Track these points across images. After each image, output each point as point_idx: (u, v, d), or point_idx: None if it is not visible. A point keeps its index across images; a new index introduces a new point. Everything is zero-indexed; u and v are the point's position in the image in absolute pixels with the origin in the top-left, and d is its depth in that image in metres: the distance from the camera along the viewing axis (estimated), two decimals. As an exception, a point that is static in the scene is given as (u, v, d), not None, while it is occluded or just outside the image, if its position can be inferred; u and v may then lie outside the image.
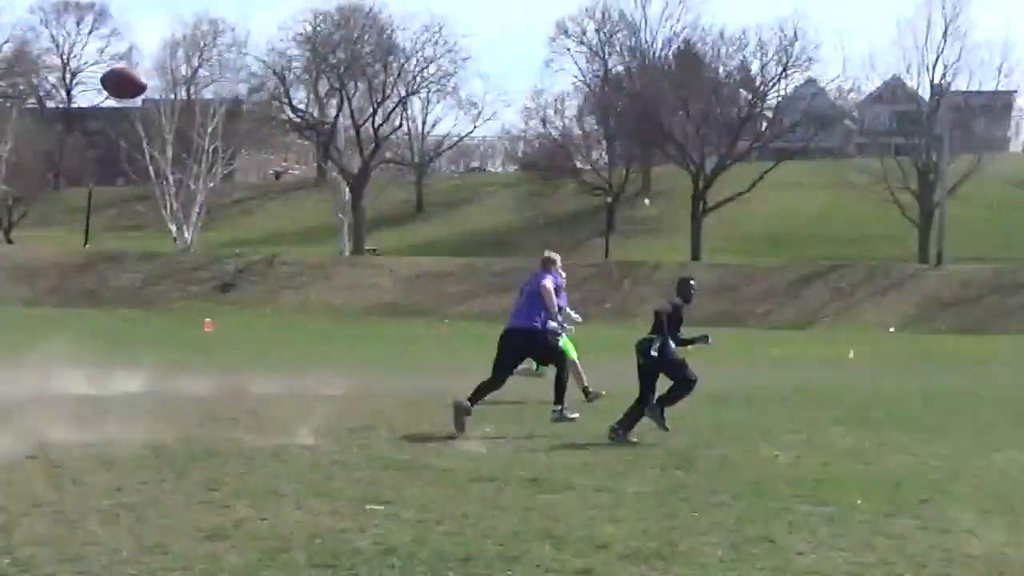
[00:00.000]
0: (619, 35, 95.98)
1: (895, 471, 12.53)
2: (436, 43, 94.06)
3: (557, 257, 15.82)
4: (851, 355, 34.70)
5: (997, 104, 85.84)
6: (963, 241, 70.01)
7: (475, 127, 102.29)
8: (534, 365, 16.99)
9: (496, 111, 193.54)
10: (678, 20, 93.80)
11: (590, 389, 19.05)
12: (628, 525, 9.40)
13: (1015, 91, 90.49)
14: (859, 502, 10.54)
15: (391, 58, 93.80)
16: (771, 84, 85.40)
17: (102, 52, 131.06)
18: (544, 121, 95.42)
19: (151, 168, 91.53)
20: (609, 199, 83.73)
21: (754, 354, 36.04)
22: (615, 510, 10.05)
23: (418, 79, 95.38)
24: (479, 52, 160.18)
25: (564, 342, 17.01)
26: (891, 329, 51.13)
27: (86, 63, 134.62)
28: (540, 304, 15.12)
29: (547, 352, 15.50)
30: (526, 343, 15.19)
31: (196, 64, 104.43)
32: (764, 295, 62.25)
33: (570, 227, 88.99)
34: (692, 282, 14.78)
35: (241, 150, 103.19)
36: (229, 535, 8.74)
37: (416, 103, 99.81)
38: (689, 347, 14.79)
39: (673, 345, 14.42)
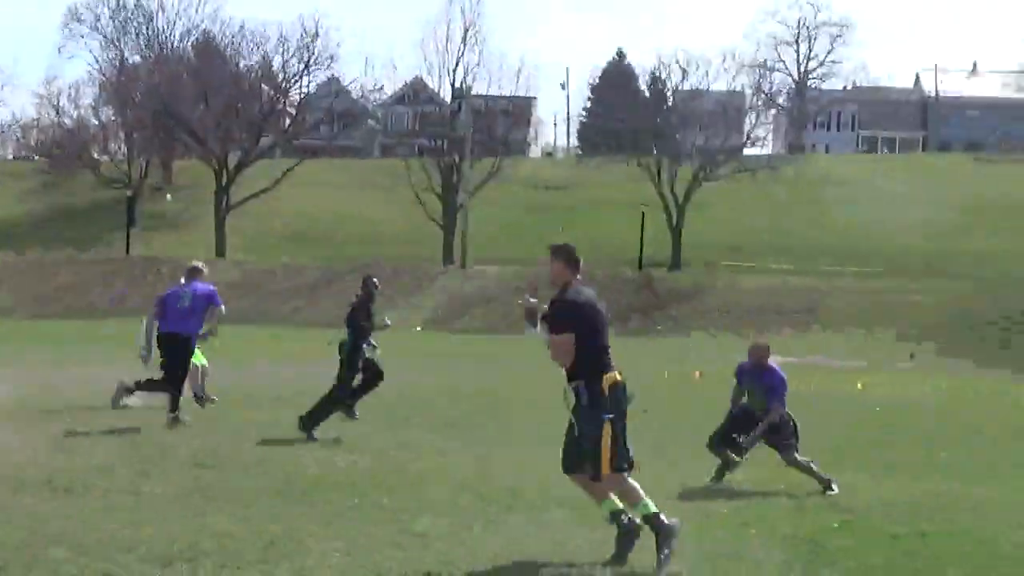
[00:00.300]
0: (134, 23, 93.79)
1: (420, 470, 12.72)
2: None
3: (203, 265, 16.64)
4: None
5: (517, 109, 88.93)
6: (485, 243, 72.11)
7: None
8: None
9: (3, 98, 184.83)
10: (197, 11, 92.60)
11: (204, 395, 18.64)
12: (153, 527, 9.10)
13: (535, 97, 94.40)
14: (385, 500, 10.62)
15: None
16: (293, 81, 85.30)
17: None
18: (58, 109, 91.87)
19: None
20: (129, 192, 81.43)
21: (281, 353, 35.80)
22: (138, 512, 9.72)
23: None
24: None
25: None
26: (417, 328, 52.13)
27: None
28: (203, 314, 15.93)
29: (184, 361, 15.94)
30: (181, 346, 15.72)
31: None
32: (291, 293, 62.06)
33: (87, 220, 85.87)
34: (374, 280, 16.71)
35: None
36: None
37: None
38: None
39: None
